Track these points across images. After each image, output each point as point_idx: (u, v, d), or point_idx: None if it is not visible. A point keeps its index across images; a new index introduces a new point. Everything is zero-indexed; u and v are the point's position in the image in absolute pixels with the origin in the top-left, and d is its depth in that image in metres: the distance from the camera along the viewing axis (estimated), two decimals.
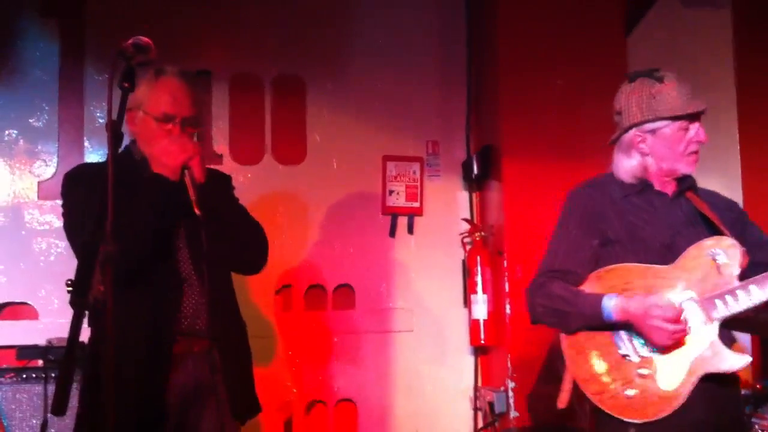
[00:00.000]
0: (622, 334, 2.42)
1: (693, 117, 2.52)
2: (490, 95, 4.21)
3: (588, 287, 2.50)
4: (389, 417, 4.21)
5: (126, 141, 2.28)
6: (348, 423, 4.21)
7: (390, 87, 4.39)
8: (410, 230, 4.35)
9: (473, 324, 4.12)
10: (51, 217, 3.95)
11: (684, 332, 2.35)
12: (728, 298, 2.38)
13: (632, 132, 2.55)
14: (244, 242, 2.57)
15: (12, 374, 3.46)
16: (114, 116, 1.91)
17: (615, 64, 4.10)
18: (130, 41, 1.95)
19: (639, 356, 2.40)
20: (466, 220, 4.34)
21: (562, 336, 2.50)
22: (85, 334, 2.00)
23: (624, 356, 2.41)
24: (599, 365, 2.42)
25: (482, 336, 4.07)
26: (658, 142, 2.53)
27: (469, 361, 4.31)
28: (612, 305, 2.38)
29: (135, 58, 1.96)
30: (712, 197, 2.66)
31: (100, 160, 3.77)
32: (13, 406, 3.41)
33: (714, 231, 2.49)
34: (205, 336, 2.45)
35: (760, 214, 2.75)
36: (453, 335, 4.30)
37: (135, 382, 2.27)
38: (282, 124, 4.32)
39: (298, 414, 4.12)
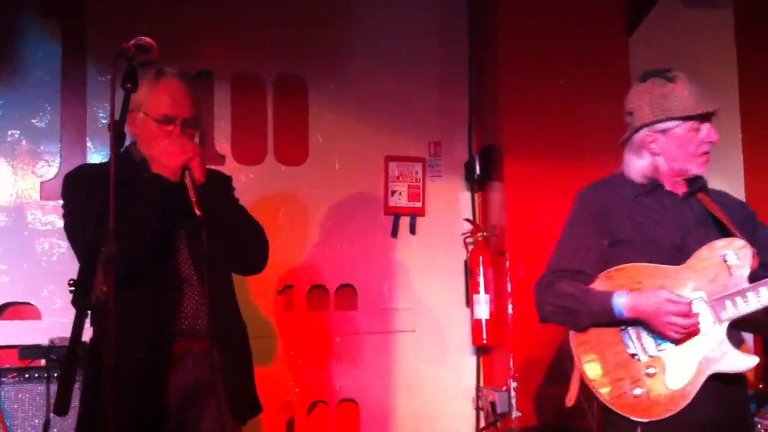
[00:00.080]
0: (631, 333, 2.43)
1: (704, 117, 2.52)
2: (491, 95, 4.21)
3: (597, 287, 2.50)
4: (391, 417, 4.21)
5: (126, 142, 2.28)
6: (350, 423, 4.21)
7: (391, 87, 4.39)
8: (412, 230, 4.36)
9: (475, 324, 4.12)
10: (53, 217, 3.96)
11: (696, 325, 2.37)
12: (738, 299, 2.39)
13: (643, 132, 2.55)
14: (245, 242, 2.57)
15: (15, 374, 3.46)
16: (116, 117, 1.91)
17: (616, 65, 4.11)
18: (131, 42, 1.95)
19: (647, 355, 2.41)
20: (468, 220, 4.34)
21: (572, 334, 2.51)
22: (87, 334, 2.00)
23: (632, 355, 2.42)
24: (607, 364, 2.43)
25: (484, 336, 4.07)
26: (670, 142, 2.53)
27: (471, 361, 4.31)
28: (623, 302, 2.39)
29: (137, 58, 1.95)
30: (723, 197, 2.67)
31: (102, 161, 3.78)
32: (16, 406, 3.41)
33: (724, 232, 2.50)
34: (206, 336, 2.45)
35: (762, 214, 2.75)
36: (455, 335, 4.31)
37: (135, 382, 2.27)
38: (284, 124, 4.33)
39: (299, 414, 4.12)
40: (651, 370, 2.39)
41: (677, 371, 2.37)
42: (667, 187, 2.58)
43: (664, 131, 2.52)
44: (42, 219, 4.01)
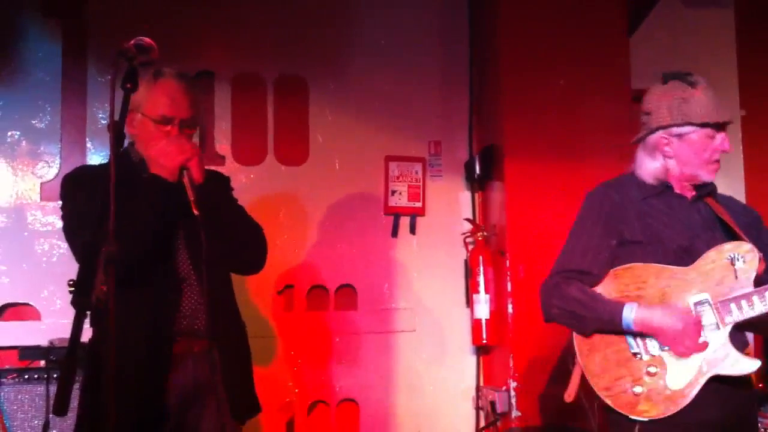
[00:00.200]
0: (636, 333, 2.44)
1: (720, 126, 2.52)
2: (492, 95, 4.21)
3: (604, 286, 2.51)
4: (391, 417, 4.21)
5: (124, 144, 2.28)
6: (350, 423, 4.21)
7: (392, 87, 4.39)
8: (412, 230, 4.35)
9: (475, 324, 4.12)
10: (53, 218, 3.97)
11: (704, 344, 2.37)
12: (743, 302, 2.40)
13: (659, 134, 2.55)
14: (243, 242, 2.57)
15: (14, 375, 3.46)
16: (116, 117, 1.91)
17: (617, 64, 4.11)
18: (132, 42, 1.95)
19: (649, 354, 2.42)
20: (468, 220, 4.34)
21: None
22: (87, 335, 2.00)
23: (634, 354, 2.43)
24: (609, 361, 2.44)
25: (484, 336, 4.07)
26: (684, 147, 2.53)
27: (471, 360, 4.31)
28: (633, 317, 2.39)
29: (137, 58, 1.95)
30: (729, 201, 2.68)
31: (101, 162, 3.78)
32: (15, 407, 3.41)
33: (732, 236, 2.51)
34: (204, 336, 2.45)
35: (762, 214, 2.75)
36: (455, 335, 4.31)
37: (135, 383, 2.27)
38: (284, 124, 4.33)
39: (300, 414, 4.12)
40: (652, 369, 2.39)
41: (678, 372, 2.38)
42: (676, 190, 2.59)
43: (679, 135, 2.53)
44: (42, 220, 4.01)
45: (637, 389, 2.38)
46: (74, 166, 2.70)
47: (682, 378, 2.37)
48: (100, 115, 4.11)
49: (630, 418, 2.37)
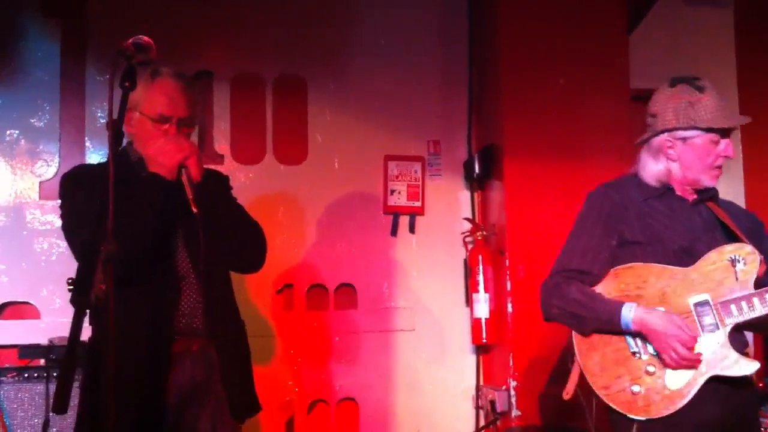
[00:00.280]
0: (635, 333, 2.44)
1: (725, 132, 2.53)
2: (492, 95, 4.21)
3: (604, 285, 2.52)
4: (391, 416, 4.21)
5: (122, 143, 2.28)
6: (350, 422, 4.21)
7: (391, 87, 4.39)
8: (412, 229, 4.35)
9: (475, 323, 4.12)
10: (52, 217, 3.97)
11: (696, 360, 2.37)
12: (743, 304, 2.41)
13: (663, 137, 2.56)
14: (242, 241, 2.56)
15: (14, 373, 3.46)
16: (115, 116, 1.91)
17: (617, 64, 4.11)
18: (130, 40, 1.95)
19: (648, 354, 2.42)
20: (467, 219, 4.34)
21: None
22: (86, 333, 2.00)
23: (633, 353, 2.43)
24: (608, 360, 2.44)
25: (484, 335, 4.07)
26: (688, 151, 2.54)
27: (470, 360, 4.31)
28: (632, 317, 2.39)
29: (136, 57, 1.95)
30: (731, 206, 2.68)
31: (100, 161, 3.78)
32: (15, 405, 3.41)
33: (732, 238, 2.52)
34: (203, 335, 2.45)
35: (762, 214, 2.75)
36: (455, 334, 4.31)
37: (135, 382, 2.27)
38: (283, 124, 4.32)
39: (299, 413, 4.12)
40: (651, 369, 2.40)
41: (677, 372, 2.38)
42: (678, 193, 2.60)
43: (684, 139, 2.53)
44: (41, 219, 4.01)
45: (636, 388, 2.39)
46: (73, 165, 2.69)
47: (680, 378, 2.37)
48: (99, 115, 4.11)
49: (628, 417, 2.37)
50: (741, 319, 2.40)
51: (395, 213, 4.34)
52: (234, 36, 4.29)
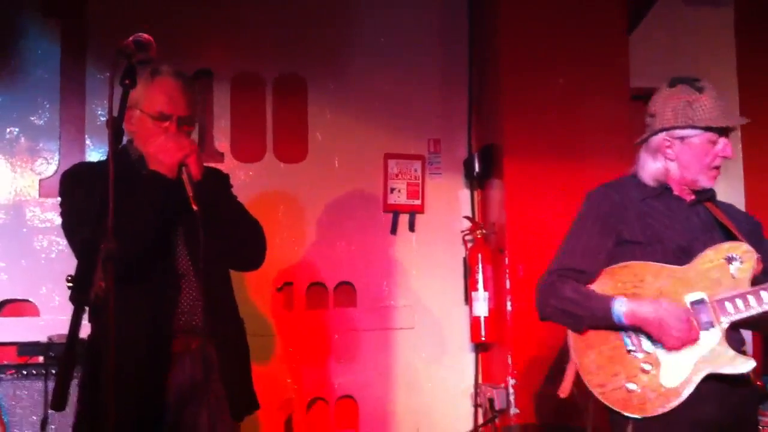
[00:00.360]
0: (629, 329, 2.44)
1: (723, 131, 2.53)
2: (492, 94, 4.21)
3: (601, 283, 2.51)
4: (390, 414, 4.22)
5: (123, 141, 2.28)
6: (349, 420, 4.21)
7: (391, 86, 4.39)
8: (411, 228, 4.36)
9: (474, 321, 4.12)
10: (52, 214, 3.97)
11: (695, 334, 2.38)
12: (739, 301, 2.41)
13: (662, 136, 2.56)
14: (242, 239, 2.56)
15: (13, 371, 3.46)
16: (115, 113, 1.91)
17: (617, 64, 4.12)
18: (130, 38, 1.94)
19: (644, 352, 2.42)
20: (467, 217, 4.34)
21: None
22: (85, 331, 2.00)
23: (629, 351, 2.43)
24: (604, 358, 2.44)
25: (483, 333, 4.07)
26: (686, 150, 2.54)
27: (469, 358, 4.32)
28: (623, 311, 2.40)
29: (136, 55, 1.95)
30: (730, 208, 2.68)
31: (101, 158, 3.78)
32: (14, 403, 3.42)
33: (730, 238, 2.52)
34: (202, 333, 2.45)
35: (762, 214, 2.76)
36: (454, 332, 4.31)
37: (135, 380, 2.27)
38: (283, 122, 4.33)
39: (298, 411, 4.13)
40: (647, 367, 2.40)
41: (673, 369, 2.38)
42: (676, 193, 2.60)
43: (682, 138, 2.54)
44: (41, 216, 4.02)
45: (631, 386, 2.38)
46: (73, 163, 2.69)
47: (676, 376, 2.37)
48: (99, 113, 4.11)
49: (624, 415, 2.37)
50: (737, 316, 2.40)
51: (395, 211, 4.34)
52: (234, 36, 4.29)
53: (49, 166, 4.06)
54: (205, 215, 2.32)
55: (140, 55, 1.96)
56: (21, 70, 4.09)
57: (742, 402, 2.48)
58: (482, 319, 4.07)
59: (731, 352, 2.38)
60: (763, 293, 2.40)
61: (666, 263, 2.48)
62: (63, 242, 3.88)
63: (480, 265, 4.12)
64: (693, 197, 2.59)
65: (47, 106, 4.09)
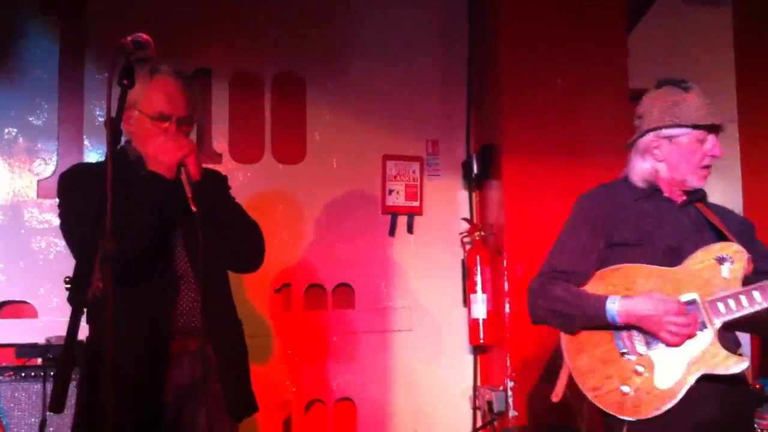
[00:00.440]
0: (622, 331, 2.43)
1: (711, 129, 2.52)
2: (491, 95, 4.21)
3: (592, 286, 2.51)
4: (388, 416, 4.21)
5: (121, 141, 2.27)
6: (347, 422, 4.21)
7: (390, 86, 4.39)
8: (410, 229, 4.35)
9: (472, 323, 4.12)
10: (50, 215, 3.96)
11: (694, 325, 2.37)
12: (730, 301, 2.40)
13: (649, 136, 2.56)
14: (241, 240, 2.56)
15: (11, 372, 3.45)
16: (113, 114, 1.90)
17: (616, 64, 4.11)
18: (129, 38, 1.94)
19: (637, 354, 2.41)
20: (465, 219, 4.34)
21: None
22: (83, 332, 2.00)
23: (622, 353, 2.42)
24: (597, 361, 2.43)
25: (481, 335, 4.07)
26: (674, 150, 2.54)
27: (468, 360, 4.31)
28: (616, 309, 2.39)
29: (134, 54, 1.94)
30: (722, 210, 2.68)
31: (99, 159, 3.77)
32: (12, 405, 3.40)
33: (721, 239, 2.51)
34: (201, 334, 2.45)
35: (760, 215, 2.76)
36: (452, 334, 4.31)
37: (134, 381, 2.26)
38: (282, 123, 4.32)
39: (297, 413, 4.12)
40: (640, 369, 2.39)
41: (666, 371, 2.37)
42: (665, 194, 2.59)
43: (669, 138, 2.53)
44: (39, 217, 4.00)
45: (625, 389, 2.37)
46: (71, 164, 2.68)
47: (669, 378, 2.36)
48: (98, 113, 4.10)
49: (618, 418, 2.36)
50: (729, 317, 2.39)
51: (393, 213, 4.34)
52: (233, 35, 4.28)
53: (48, 166, 4.05)
54: (204, 216, 2.32)
55: (139, 54, 1.95)
56: (19, 70, 4.08)
57: (741, 402, 2.48)
58: (481, 321, 4.06)
59: (724, 353, 2.37)
60: (755, 293, 2.39)
61: (657, 264, 2.47)
62: (61, 243, 3.84)
63: (478, 267, 4.11)
64: (684, 198, 2.59)
65: (45, 106, 4.08)
